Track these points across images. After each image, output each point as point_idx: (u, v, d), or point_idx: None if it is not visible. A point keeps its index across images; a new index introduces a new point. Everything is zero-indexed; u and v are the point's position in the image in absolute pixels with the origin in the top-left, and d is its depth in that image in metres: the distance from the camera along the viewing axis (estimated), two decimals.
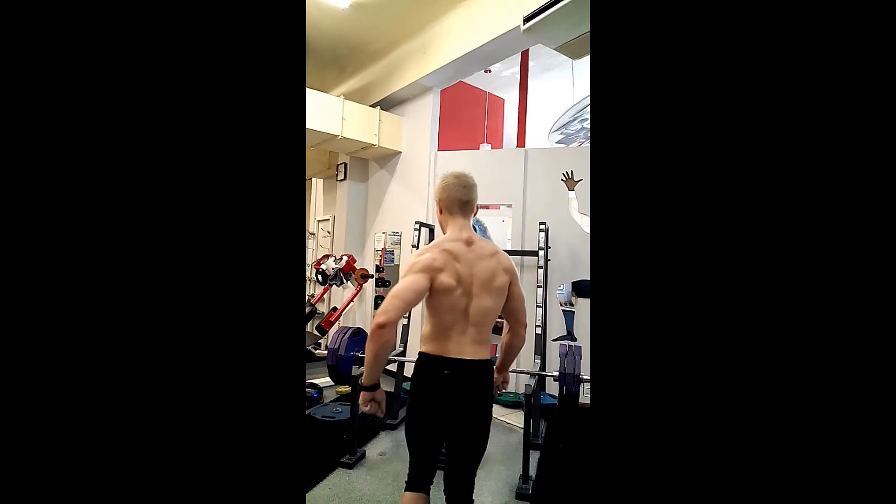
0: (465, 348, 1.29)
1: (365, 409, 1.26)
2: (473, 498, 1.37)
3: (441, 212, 1.38)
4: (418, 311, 3.57)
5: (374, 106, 4.23)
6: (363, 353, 2.78)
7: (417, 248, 3.25)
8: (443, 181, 1.37)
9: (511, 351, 1.46)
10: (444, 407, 1.30)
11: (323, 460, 2.32)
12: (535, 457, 2.45)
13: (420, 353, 1.33)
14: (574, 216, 3.13)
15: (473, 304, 1.29)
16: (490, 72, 4.82)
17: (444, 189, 1.36)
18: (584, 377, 2.31)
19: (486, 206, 4.22)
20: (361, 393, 1.25)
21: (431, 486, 1.36)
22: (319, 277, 4.23)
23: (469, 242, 1.32)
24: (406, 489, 1.35)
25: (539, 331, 2.87)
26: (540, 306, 2.93)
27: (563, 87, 5.32)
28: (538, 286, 2.98)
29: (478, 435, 1.34)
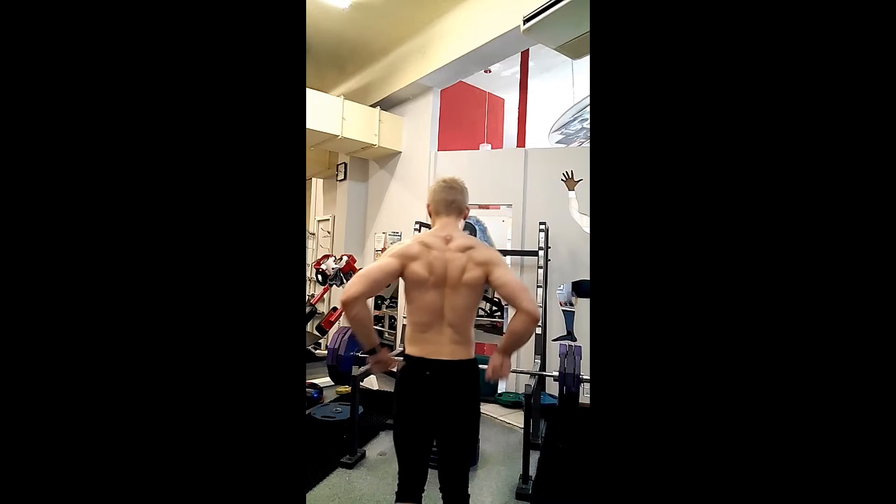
0: (444, 349, 1.31)
1: (373, 368, 1.39)
2: (469, 493, 1.38)
3: (430, 215, 1.50)
4: None
5: (374, 106, 4.22)
6: (363, 353, 2.78)
7: None
8: (430, 188, 1.49)
9: (512, 335, 1.30)
10: (429, 408, 1.32)
11: (323, 460, 2.32)
12: (535, 457, 2.44)
13: (404, 355, 1.37)
14: (574, 216, 3.13)
15: (447, 304, 1.32)
16: (490, 72, 4.82)
17: (431, 193, 1.47)
18: (584, 377, 2.31)
19: (486, 206, 4.22)
20: (368, 357, 1.38)
21: (429, 488, 1.36)
22: (319, 277, 4.22)
23: (448, 240, 1.37)
24: (396, 500, 1.35)
25: (539, 331, 2.87)
26: (540, 306, 2.93)
27: (563, 87, 5.32)
28: (538, 286, 2.98)
29: (465, 432, 1.35)
